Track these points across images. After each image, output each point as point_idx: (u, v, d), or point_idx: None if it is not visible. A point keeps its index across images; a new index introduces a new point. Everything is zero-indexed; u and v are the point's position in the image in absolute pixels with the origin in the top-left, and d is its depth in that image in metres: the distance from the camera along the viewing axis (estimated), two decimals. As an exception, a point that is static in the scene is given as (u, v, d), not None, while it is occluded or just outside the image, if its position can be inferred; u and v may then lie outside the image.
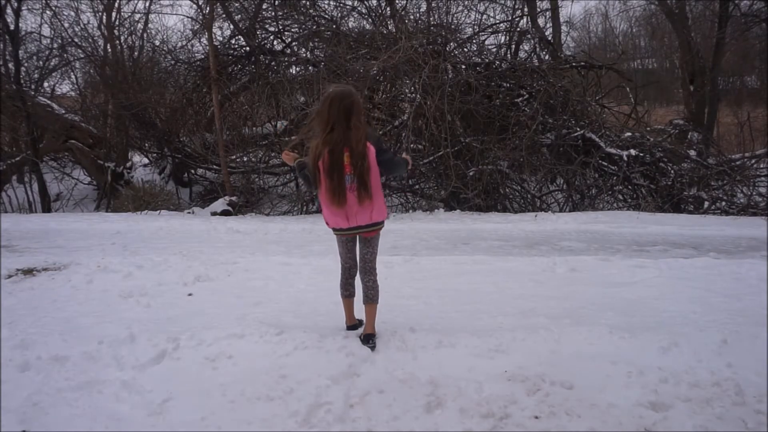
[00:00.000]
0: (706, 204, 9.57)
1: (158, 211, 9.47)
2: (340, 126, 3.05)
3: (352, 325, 3.63)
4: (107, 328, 3.66)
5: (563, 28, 15.36)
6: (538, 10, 13.94)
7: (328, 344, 3.38)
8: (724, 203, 9.63)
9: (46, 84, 14.82)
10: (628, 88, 12.93)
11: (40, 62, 14.14)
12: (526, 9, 13.50)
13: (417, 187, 10.22)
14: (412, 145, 9.45)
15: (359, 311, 3.61)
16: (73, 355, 3.27)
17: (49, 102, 12.62)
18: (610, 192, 9.86)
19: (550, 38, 13.08)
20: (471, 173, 9.21)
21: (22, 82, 12.72)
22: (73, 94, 15.92)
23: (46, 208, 12.22)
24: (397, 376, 3.02)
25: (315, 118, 3.19)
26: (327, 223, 3.37)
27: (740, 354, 3.19)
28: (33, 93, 12.81)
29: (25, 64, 13.69)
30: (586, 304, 4.04)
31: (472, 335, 3.45)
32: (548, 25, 14.18)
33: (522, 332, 3.49)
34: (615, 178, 9.72)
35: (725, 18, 12.95)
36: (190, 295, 4.46)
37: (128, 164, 12.68)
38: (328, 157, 3.07)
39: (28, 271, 5.12)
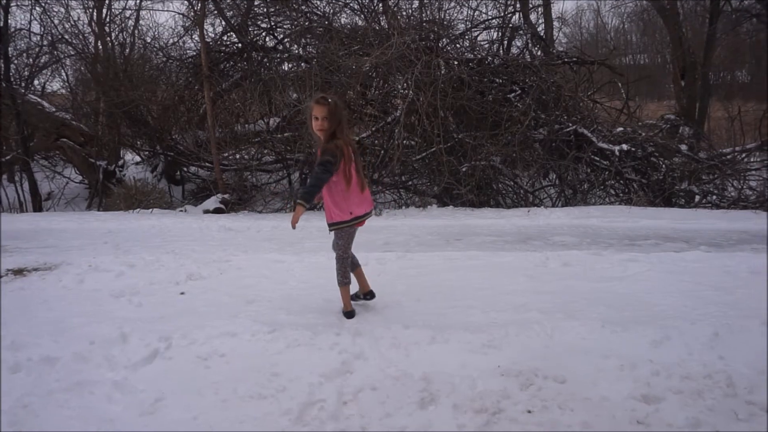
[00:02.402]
0: (697, 198, 9.62)
1: (150, 210, 9.42)
2: (347, 127, 3.60)
3: (352, 310, 3.83)
4: (98, 328, 3.63)
5: (555, 24, 15.41)
6: (530, 6, 13.93)
7: (321, 341, 3.38)
8: (714, 197, 9.68)
9: (36, 82, 14.69)
10: (619, 84, 12.96)
11: (30, 60, 14.01)
12: (518, 5, 13.51)
13: (410, 183, 10.22)
14: (404, 141, 9.44)
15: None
16: (64, 356, 3.25)
17: (39, 100, 12.51)
18: (602, 187, 9.89)
19: (542, 34, 13.09)
20: (464, 169, 9.21)
21: (11, 79, 12.60)
22: (63, 91, 15.78)
23: (37, 207, 12.13)
24: (390, 373, 3.02)
25: (340, 122, 3.50)
26: (350, 214, 3.60)
27: (731, 346, 3.22)
28: (23, 91, 12.68)
29: (15, 62, 13.56)
30: (579, 299, 4.06)
31: (465, 331, 3.46)
32: (540, 21, 14.19)
33: (515, 327, 3.50)
34: (607, 172, 9.75)
35: (716, 13, 13.00)
36: (182, 293, 4.44)
37: (120, 162, 12.60)
38: (353, 153, 3.56)
39: (19, 271, 5.08)
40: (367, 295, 3.98)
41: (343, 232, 3.68)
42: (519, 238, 6.34)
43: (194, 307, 4.10)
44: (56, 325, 3.75)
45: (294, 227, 3.41)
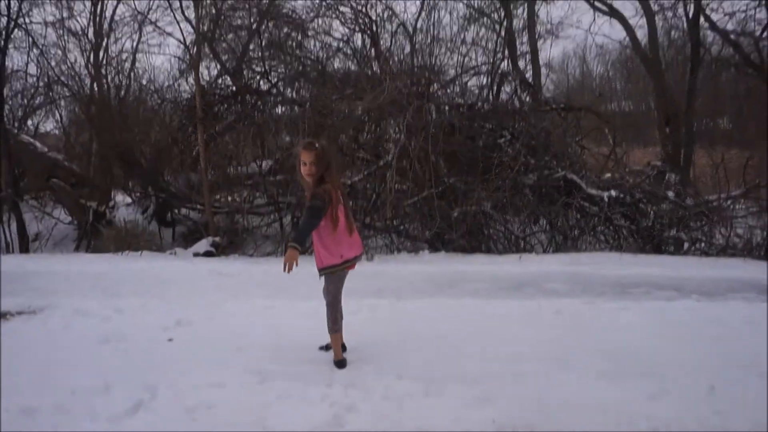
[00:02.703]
0: (686, 245, 9.69)
1: (140, 252, 9.32)
2: (336, 170, 3.63)
3: (344, 359, 3.81)
4: (82, 377, 3.54)
5: (543, 70, 15.84)
6: (519, 53, 14.38)
7: (312, 393, 3.31)
8: (703, 244, 9.76)
9: (29, 122, 14.76)
10: (606, 130, 13.23)
11: (25, 100, 14.11)
12: (506, 52, 13.93)
13: (401, 227, 10.23)
14: (396, 185, 9.49)
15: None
16: (44, 407, 3.15)
17: (32, 140, 12.51)
18: (592, 233, 9.94)
19: (530, 80, 13.43)
20: (455, 214, 9.25)
21: (5, 119, 12.64)
22: (56, 132, 15.85)
23: (24, 249, 11.96)
24: (382, 428, 2.94)
25: (328, 166, 3.53)
26: (340, 257, 3.60)
27: (728, 400, 3.18)
28: (16, 131, 12.70)
29: (9, 102, 13.63)
30: (573, 349, 4.02)
31: (459, 382, 3.40)
32: (528, 68, 14.60)
33: (510, 379, 3.45)
34: (596, 218, 9.83)
35: (697, 63, 13.44)
36: (170, 340, 4.36)
37: (111, 204, 12.53)
38: (342, 196, 3.61)
39: (1, 316, 4.96)
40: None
41: (334, 276, 3.67)
42: (511, 284, 6.32)
43: (182, 354, 4.01)
44: (37, 373, 3.65)
45: (287, 271, 3.23)
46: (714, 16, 13.13)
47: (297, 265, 3.22)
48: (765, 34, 12.71)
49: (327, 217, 3.48)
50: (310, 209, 3.43)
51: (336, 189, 3.53)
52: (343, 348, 3.91)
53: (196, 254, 9.33)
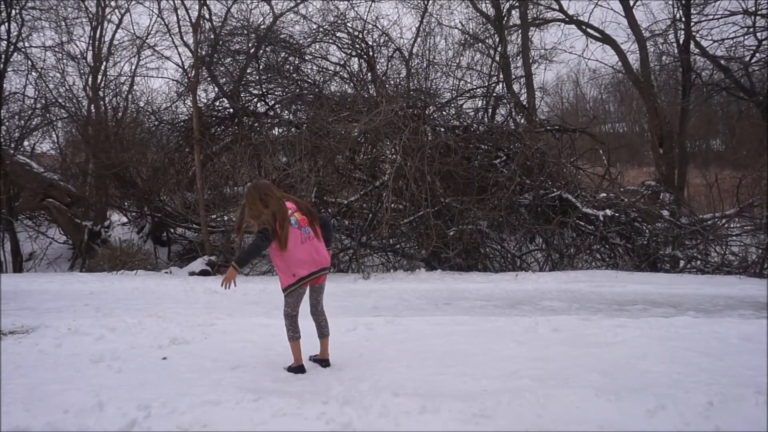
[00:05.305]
0: (682, 263, 9.72)
1: (135, 271, 9.27)
2: (274, 199, 3.82)
3: (302, 365, 3.99)
4: (74, 396, 3.48)
5: (537, 93, 16.01)
6: (513, 76, 14.57)
7: (307, 411, 3.26)
8: (699, 262, 9.80)
9: (26, 143, 14.82)
10: (600, 151, 13.36)
11: (22, 121, 14.16)
12: (501, 75, 14.12)
13: (398, 246, 10.23)
14: (393, 205, 9.53)
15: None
16: (35, 427, 3.09)
17: (27, 161, 12.54)
18: (588, 251, 9.97)
19: (525, 103, 13.59)
20: (451, 233, 9.27)
21: (1, 140, 12.68)
22: (53, 152, 15.89)
23: (18, 268, 11.88)
24: (379, 445, 2.90)
25: (258, 199, 3.84)
26: (293, 276, 3.84)
27: (727, 416, 3.15)
28: (12, 152, 12.73)
29: (6, 123, 13.68)
30: (571, 365, 3.99)
31: (456, 399, 3.37)
32: (522, 91, 14.78)
33: (507, 395, 3.41)
34: (592, 237, 9.87)
35: (688, 86, 13.64)
36: (164, 358, 4.31)
37: (106, 223, 12.51)
38: (278, 218, 3.78)
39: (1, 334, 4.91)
40: (324, 362, 4.11)
41: (294, 293, 3.92)
42: (508, 302, 6.31)
43: (176, 372, 3.97)
44: (30, 393, 3.59)
45: (225, 287, 3.67)
46: (704, 43, 13.37)
47: (235, 284, 3.71)
48: (754, 59, 12.95)
49: (274, 241, 3.75)
50: (257, 233, 3.79)
51: (275, 212, 3.78)
52: (326, 363, 4.09)
53: (191, 273, 9.30)
